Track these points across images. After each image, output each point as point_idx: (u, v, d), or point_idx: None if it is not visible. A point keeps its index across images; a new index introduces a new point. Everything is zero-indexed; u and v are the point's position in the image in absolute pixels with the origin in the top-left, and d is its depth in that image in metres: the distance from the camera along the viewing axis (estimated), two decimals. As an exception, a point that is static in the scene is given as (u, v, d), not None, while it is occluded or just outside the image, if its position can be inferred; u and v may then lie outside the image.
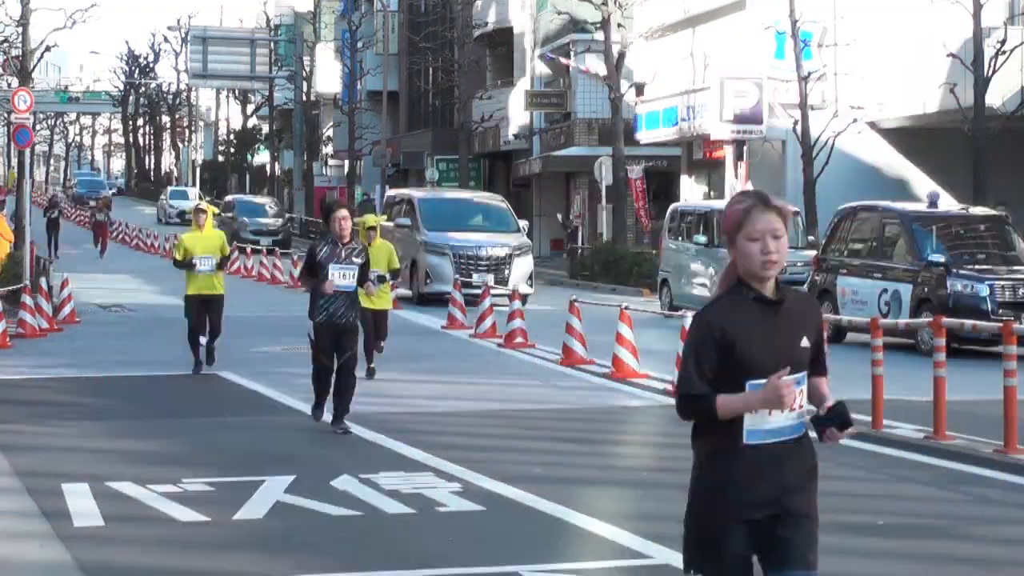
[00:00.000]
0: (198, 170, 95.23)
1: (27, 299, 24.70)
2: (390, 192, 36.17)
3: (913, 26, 32.64)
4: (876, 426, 13.44)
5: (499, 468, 11.45)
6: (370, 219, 19.11)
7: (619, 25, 41.64)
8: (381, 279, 17.96)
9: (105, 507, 10.08)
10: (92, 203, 60.38)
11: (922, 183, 34.42)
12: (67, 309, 26.99)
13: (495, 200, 35.09)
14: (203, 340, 19.10)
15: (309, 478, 11.06)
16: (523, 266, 30.96)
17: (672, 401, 15.85)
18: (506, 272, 30.45)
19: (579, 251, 43.04)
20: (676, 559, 8.51)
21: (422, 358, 20.65)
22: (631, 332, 18.06)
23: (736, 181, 37.64)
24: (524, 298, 26.53)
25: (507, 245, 30.93)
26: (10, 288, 26.53)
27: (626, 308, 18.57)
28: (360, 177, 69.76)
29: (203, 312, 18.47)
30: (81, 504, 10.21)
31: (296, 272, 38.47)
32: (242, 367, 19.03)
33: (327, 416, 13.89)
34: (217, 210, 20.30)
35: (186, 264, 18.48)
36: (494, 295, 24.93)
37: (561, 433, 13.98)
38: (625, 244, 40.49)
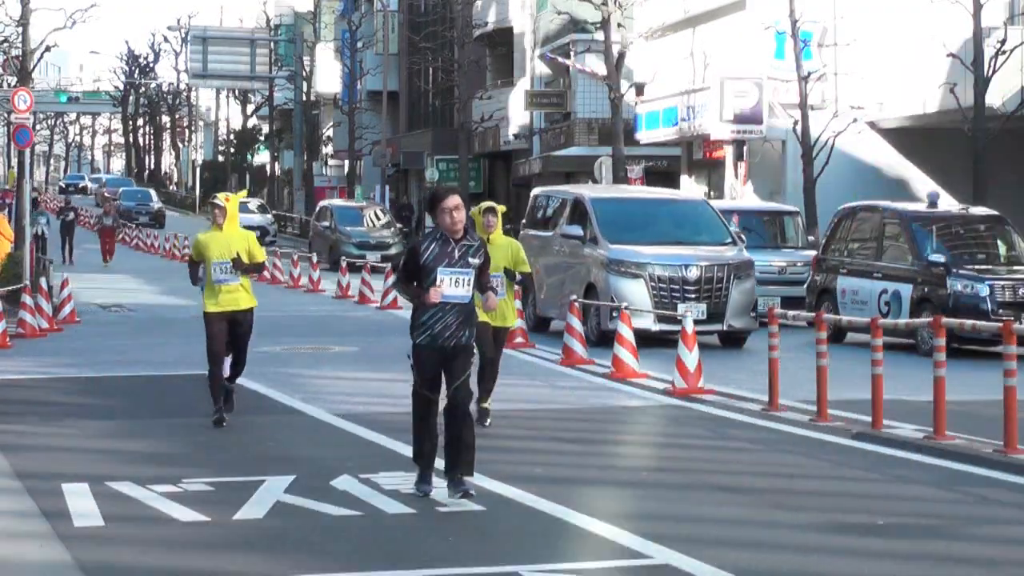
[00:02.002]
0: (198, 170, 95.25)
1: (27, 299, 24.70)
2: (537, 191, 26.48)
3: (913, 26, 32.63)
4: (876, 426, 13.44)
5: (499, 468, 11.44)
6: (487, 206, 14.53)
7: (619, 25, 41.63)
8: (514, 278, 14.26)
9: (105, 507, 10.08)
10: (100, 207, 53.39)
11: (922, 183, 34.42)
12: (67, 309, 27.00)
13: (697, 200, 25.63)
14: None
15: (309, 478, 11.06)
16: (744, 293, 21.83)
17: (672, 401, 15.91)
18: (722, 300, 21.55)
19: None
20: (676, 559, 8.53)
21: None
22: (631, 332, 18.06)
23: (736, 181, 37.67)
24: (743, 339, 22.07)
25: (723, 262, 21.93)
26: (10, 288, 26.54)
27: (626, 308, 18.57)
28: (360, 177, 69.76)
29: (226, 334, 14.24)
30: (81, 504, 10.21)
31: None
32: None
33: (437, 481, 10.47)
34: (245, 193, 16.46)
35: (190, 269, 14.76)
36: (701, 332, 18.79)
37: (561, 433, 13.98)
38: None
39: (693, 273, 21.60)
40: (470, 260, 10.26)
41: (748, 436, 13.62)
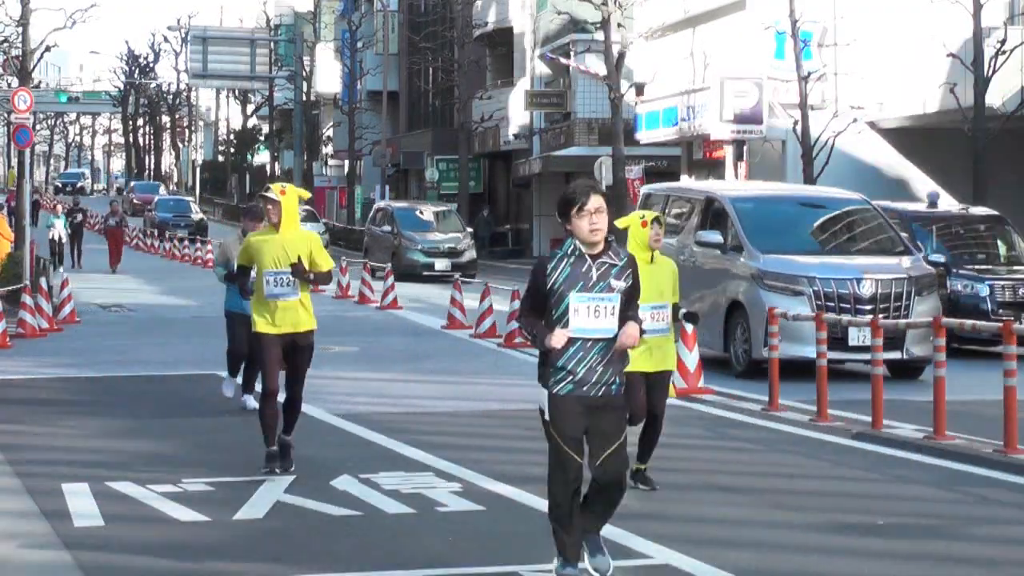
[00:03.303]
0: (198, 170, 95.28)
1: (27, 299, 24.70)
2: (650, 189, 22.30)
3: (913, 26, 32.64)
4: (876, 426, 13.44)
5: (499, 468, 11.44)
6: (653, 215, 11.09)
7: (619, 25, 41.65)
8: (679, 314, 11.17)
9: (105, 507, 10.08)
10: (109, 210, 45.81)
11: (922, 183, 34.41)
12: (67, 309, 26.99)
13: (857, 199, 20.59)
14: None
15: (309, 478, 11.06)
16: (927, 313, 17.49)
17: (672, 401, 15.86)
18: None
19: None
20: (676, 559, 8.53)
21: (422, 358, 20.64)
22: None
23: (736, 181, 37.65)
24: (920, 369, 17.97)
25: (902, 275, 18.25)
26: (10, 288, 26.54)
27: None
28: (360, 177, 69.78)
29: (279, 362, 11.50)
30: (81, 504, 10.20)
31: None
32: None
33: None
34: (308, 193, 12.44)
35: (238, 279, 12.06)
36: (886, 362, 15.67)
37: (561, 433, 13.95)
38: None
39: (867, 288, 17.81)
40: (613, 283, 7.77)
41: (748, 436, 13.62)
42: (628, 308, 7.83)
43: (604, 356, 7.81)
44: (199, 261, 48.73)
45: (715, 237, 18.80)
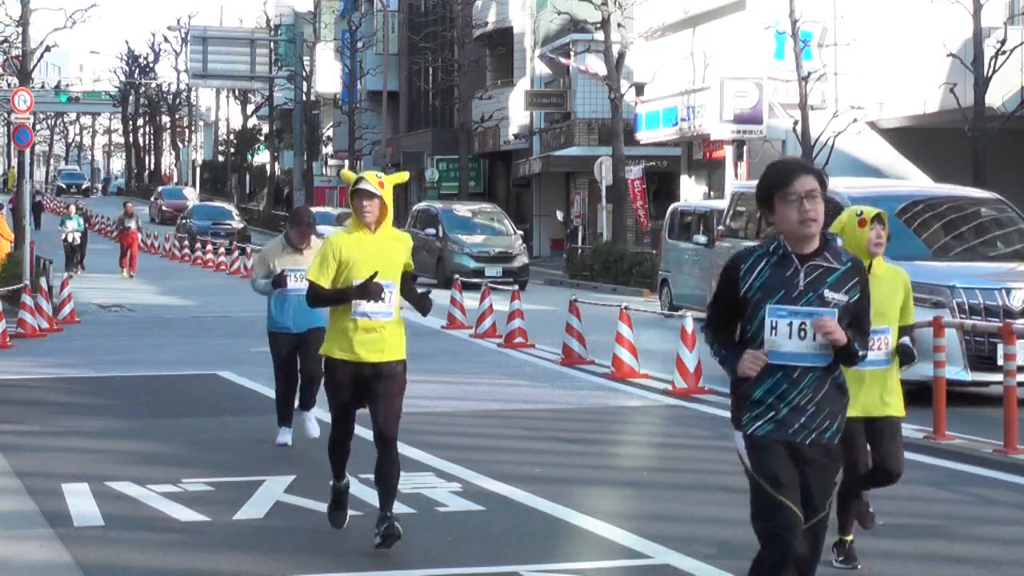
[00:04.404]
0: (198, 170, 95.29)
1: (27, 299, 24.71)
2: (741, 187, 20.11)
3: (913, 26, 32.65)
4: (876, 426, 13.41)
5: (499, 468, 11.44)
6: (875, 212, 8.44)
7: (619, 25, 41.67)
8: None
9: (105, 507, 10.08)
10: (120, 215, 43.15)
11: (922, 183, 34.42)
12: (67, 309, 27.01)
13: (990, 197, 18.46)
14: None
15: (309, 478, 11.05)
16: None
17: (672, 401, 15.90)
18: None
19: (579, 251, 43.06)
20: (676, 559, 8.53)
21: (422, 358, 20.64)
22: (631, 332, 18.06)
23: (736, 181, 37.66)
24: None
25: None
26: (10, 288, 26.55)
27: (626, 308, 18.57)
28: (360, 177, 69.74)
29: (358, 398, 9.03)
30: (81, 504, 10.20)
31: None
32: (242, 367, 19.01)
33: None
34: (405, 175, 9.87)
35: (328, 298, 8.93)
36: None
37: (561, 433, 13.97)
38: (625, 244, 40.50)
39: (1019, 300, 15.37)
40: (827, 294, 5.88)
41: (748, 436, 13.59)
42: (856, 324, 5.94)
43: (816, 390, 5.92)
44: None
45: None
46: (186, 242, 53.37)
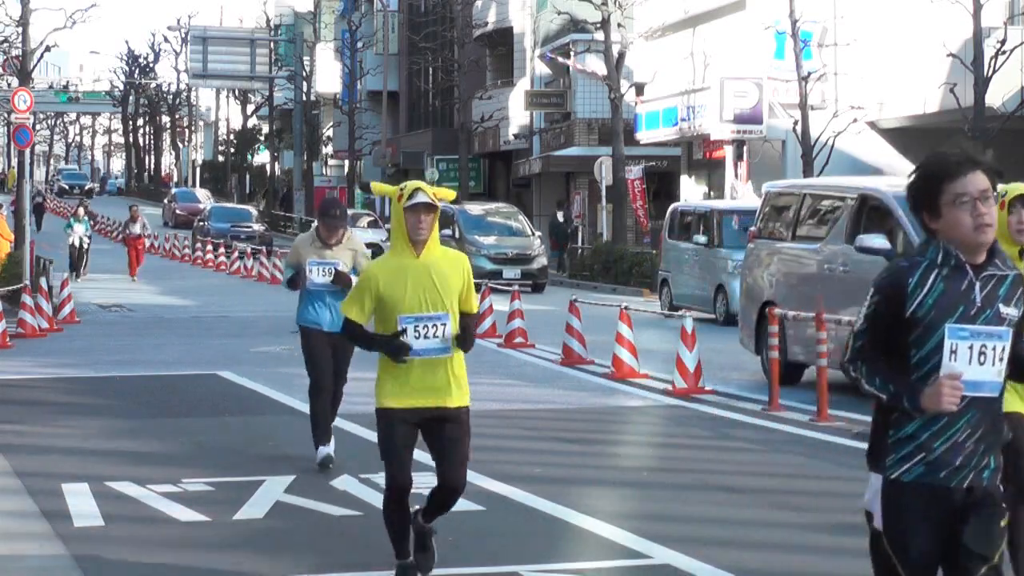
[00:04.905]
0: (198, 170, 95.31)
1: (27, 299, 24.72)
2: (775, 187, 19.60)
3: (913, 26, 32.65)
4: (876, 426, 13.41)
5: (499, 468, 11.44)
6: (1017, 192, 7.03)
7: (619, 25, 41.68)
8: None
9: (105, 507, 10.08)
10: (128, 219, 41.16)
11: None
12: (67, 309, 27.02)
13: None
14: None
15: (309, 478, 11.05)
16: None
17: (672, 401, 15.90)
18: None
19: (579, 251, 43.06)
20: (676, 559, 8.53)
21: (422, 358, 20.62)
22: (631, 332, 18.06)
23: (736, 181, 37.69)
24: None
25: None
26: (10, 288, 26.56)
27: (626, 308, 18.57)
28: (360, 177, 69.81)
29: (430, 442, 7.97)
30: (81, 504, 10.20)
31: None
32: (242, 367, 19.01)
33: None
34: (452, 193, 8.77)
35: (360, 340, 7.92)
36: None
37: (561, 433, 13.97)
38: (625, 244, 40.51)
39: None
40: (1002, 310, 4.99)
41: (748, 436, 13.61)
42: (1016, 345, 5.06)
43: (978, 426, 4.96)
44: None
45: (881, 243, 15.28)
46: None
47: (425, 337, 7.59)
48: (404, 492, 7.83)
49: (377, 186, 8.33)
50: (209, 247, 48.85)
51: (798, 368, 16.87)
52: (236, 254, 46.13)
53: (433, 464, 8.00)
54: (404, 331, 7.54)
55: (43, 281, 26.04)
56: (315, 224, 11.87)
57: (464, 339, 7.71)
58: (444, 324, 7.60)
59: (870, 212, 16.23)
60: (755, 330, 17.60)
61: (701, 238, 27.12)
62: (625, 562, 8.52)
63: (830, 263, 16.37)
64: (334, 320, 11.24)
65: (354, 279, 10.83)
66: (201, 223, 56.92)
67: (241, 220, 57.16)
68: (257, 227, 56.42)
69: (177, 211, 71.17)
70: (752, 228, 18.78)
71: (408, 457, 7.86)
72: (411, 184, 7.68)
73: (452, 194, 8.43)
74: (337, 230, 11.48)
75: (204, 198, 73.37)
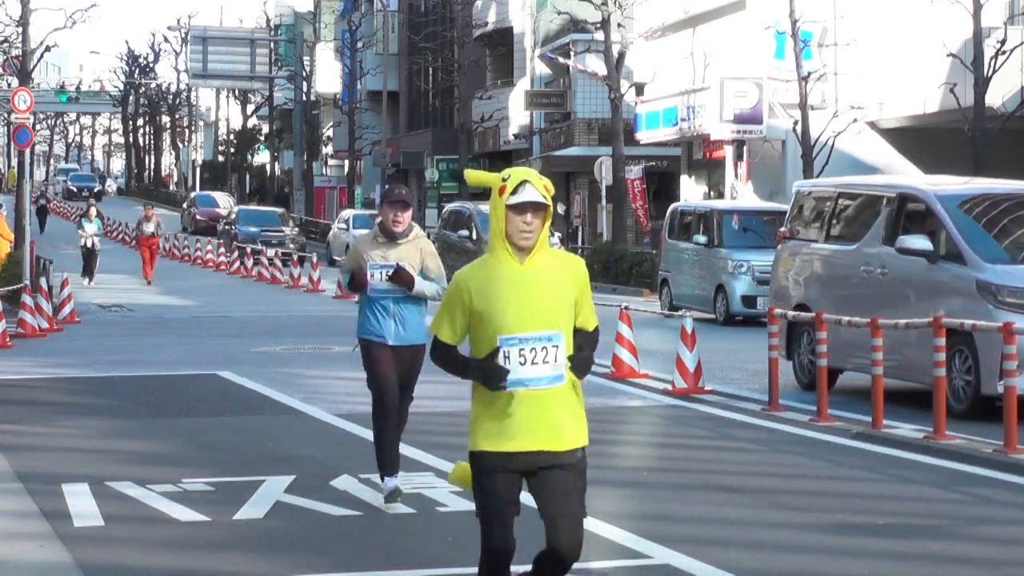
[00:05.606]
0: (198, 170, 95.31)
1: (27, 299, 24.72)
2: (806, 185, 19.18)
3: (913, 26, 32.65)
4: (876, 426, 13.43)
5: (499, 468, 11.41)
6: None
7: (619, 25, 41.66)
8: None
9: (105, 507, 10.08)
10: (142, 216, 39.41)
11: (922, 183, 34.41)
12: (67, 309, 27.02)
13: None
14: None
15: (309, 478, 11.05)
16: None
17: (672, 401, 15.89)
18: None
19: (579, 251, 43.06)
20: (676, 559, 8.53)
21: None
22: (631, 332, 18.05)
23: (736, 181, 37.68)
24: None
25: None
26: (10, 288, 26.56)
27: (626, 308, 18.57)
28: (360, 177, 69.81)
29: (536, 493, 6.57)
30: (81, 504, 10.20)
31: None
32: (242, 367, 19.01)
33: None
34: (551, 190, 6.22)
35: (450, 364, 6.48)
36: None
37: (561, 433, 13.94)
38: (625, 244, 40.50)
39: None
40: None
41: (748, 436, 13.61)
42: None
43: None
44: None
45: (923, 244, 14.69)
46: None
47: (532, 363, 6.11)
48: (506, 559, 6.32)
49: (473, 174, 6.39)
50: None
51: (831, 374, 15.33)
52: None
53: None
54: (507, 356, 6.05)
55: (43, 281, 26.04)
56: (377, 219, 10.23)
57: (579, 363, 6.27)
58: (556, 346, 6.11)
59: (910, 212, 15.51)
60: (787, 335, 16.62)
61: (701, 238, 27.11)
62: (625, 562, 8.51)
63: (867, 265, 15.71)
64: (399, 331, 10.02)
65: (419, 281, 9.89)
66: (227, 227, 53.64)
67: (270, 224, 52.74)
68: (288, 231, 52.43)
69: (197, 216, 66.97)
70: (783, 229, 18.11)
71: (512, 515, 6.33)
72: (517, 174, 6.05)
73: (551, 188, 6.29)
74: (404, 216, 9.92)
75: (224, 202, 69.11)
